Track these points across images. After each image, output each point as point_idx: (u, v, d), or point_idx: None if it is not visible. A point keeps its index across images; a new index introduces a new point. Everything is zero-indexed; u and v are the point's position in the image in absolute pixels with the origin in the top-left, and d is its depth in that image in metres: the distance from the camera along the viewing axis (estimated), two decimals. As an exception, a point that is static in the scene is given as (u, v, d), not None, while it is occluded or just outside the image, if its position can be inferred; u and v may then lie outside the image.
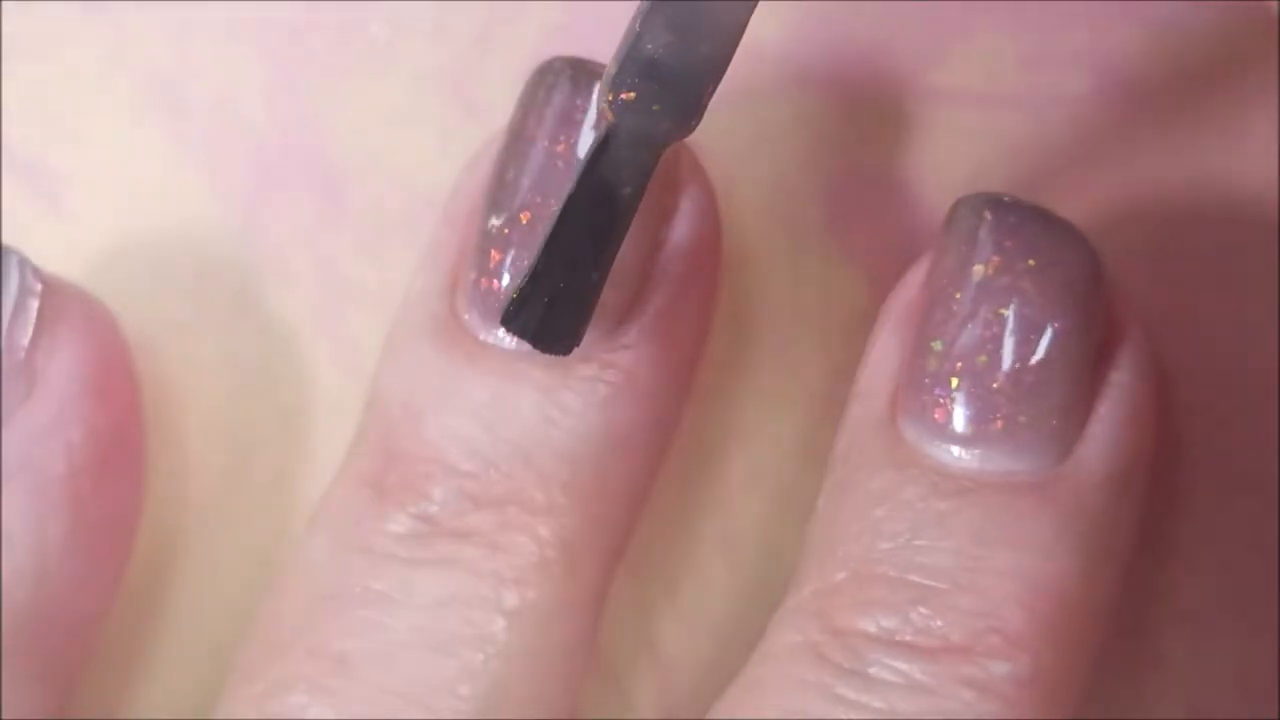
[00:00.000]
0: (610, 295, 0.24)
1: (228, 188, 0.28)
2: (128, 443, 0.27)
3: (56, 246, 0.28)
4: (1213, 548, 0.27)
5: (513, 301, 0.23)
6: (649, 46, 0.22)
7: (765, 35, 0.27)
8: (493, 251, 0.25)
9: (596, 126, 0.24)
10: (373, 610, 0.24)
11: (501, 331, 0.24)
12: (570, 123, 0.25)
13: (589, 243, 0.23)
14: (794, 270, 0.27)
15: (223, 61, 0.28)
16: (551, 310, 0.23)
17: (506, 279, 0.25)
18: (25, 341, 0.25)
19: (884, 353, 0.25)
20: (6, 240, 0.28)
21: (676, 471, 0.28)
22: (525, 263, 0.24)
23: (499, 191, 0.25)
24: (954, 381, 0.24)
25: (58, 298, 0.26)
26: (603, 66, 0.23)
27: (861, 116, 0.27)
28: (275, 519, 0.28)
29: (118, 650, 0.28)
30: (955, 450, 0.24)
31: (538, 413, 0.24)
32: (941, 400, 0.24)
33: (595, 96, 0.24)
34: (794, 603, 0.24)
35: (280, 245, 0.28)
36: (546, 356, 0.24)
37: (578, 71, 0.25)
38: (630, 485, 0.25)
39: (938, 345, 0.24)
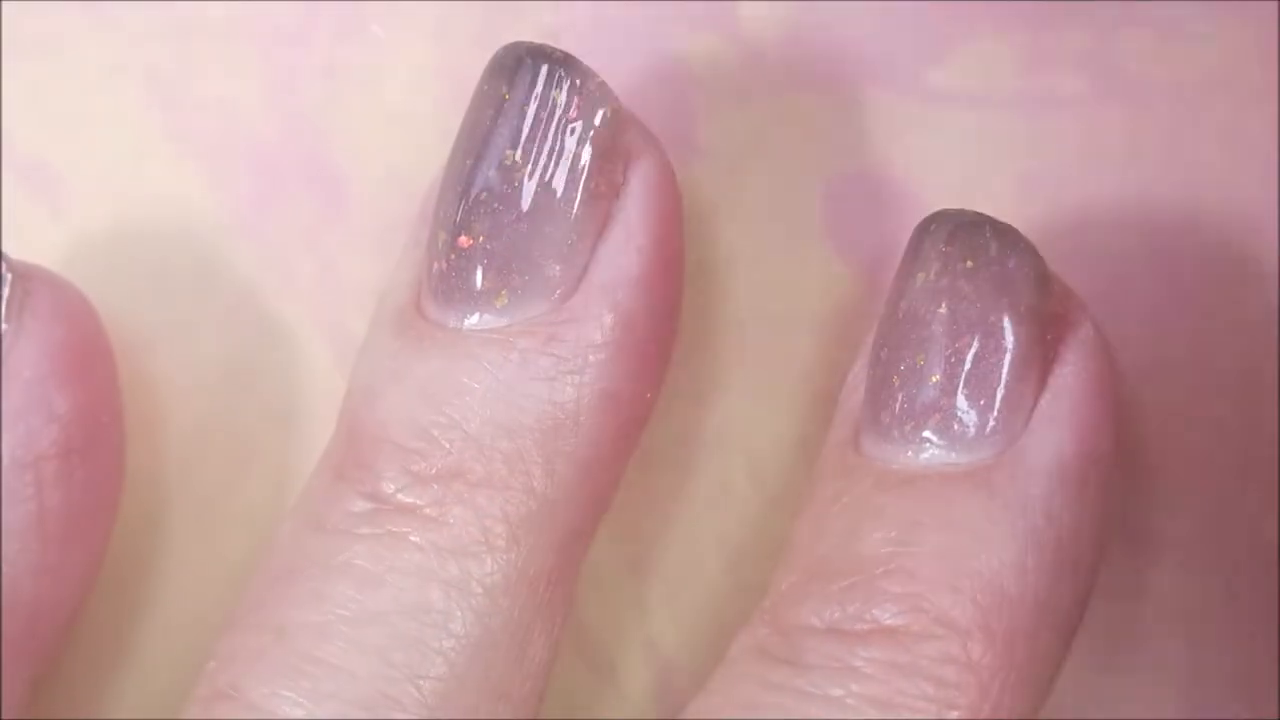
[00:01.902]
0: (554, 269, 0.24)
1: (228, 187, 0.28)
2: (102, 428, 0.27)
3: (56, 246, 0.28)
4: (1213, 547, 0.27)
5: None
6: None
7: (765, 35, 0.27)
8: (441, 234, 0.25)
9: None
10: (317, 583, 0.24)
11: (452, 312, 0.24)
12: (522, 113, 0.25)
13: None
14: (793, 270, 0.27)
15: (223, 61, 0.28)
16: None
17: (454, 259, 0.25)
18: None
19: (855, 379, 0.25)
20: (7, 240, 0.28)
21: (676, 471, 0.28)
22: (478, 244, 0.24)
23: (454, 177, 0.25)
24: (895, 381, 0.24)
25: (26, 282, 0.26)
26: (558, 51, 0.24)
27: (861, 116, 0.27)
28: (275, 518, 0.28)
29: (112, 648, 0.28)
30: (898, 447, 0.24)
31: (481, 387, 0.24)
32: (886, 402, 0.24)
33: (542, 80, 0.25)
34: (754, 614, 0.25)
35: (280, 245, 0.28)
36: (492, 335, 0.24)
37: (535, 58, 0.25)
38: (581, 462, 0.25)
39: (884, 352, 0.24)
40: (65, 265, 0.28)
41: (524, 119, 0.25)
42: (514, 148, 0.25)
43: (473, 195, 0.24)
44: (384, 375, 0.25)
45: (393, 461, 0.24)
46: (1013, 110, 0.27)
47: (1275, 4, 0.26)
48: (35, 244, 0.28)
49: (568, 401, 0.25)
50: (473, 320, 0.25)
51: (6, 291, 0.26)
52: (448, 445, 0.24)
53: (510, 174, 0.24)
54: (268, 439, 0.28)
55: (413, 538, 0.24)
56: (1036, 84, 0.27)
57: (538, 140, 0.24)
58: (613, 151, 0.25)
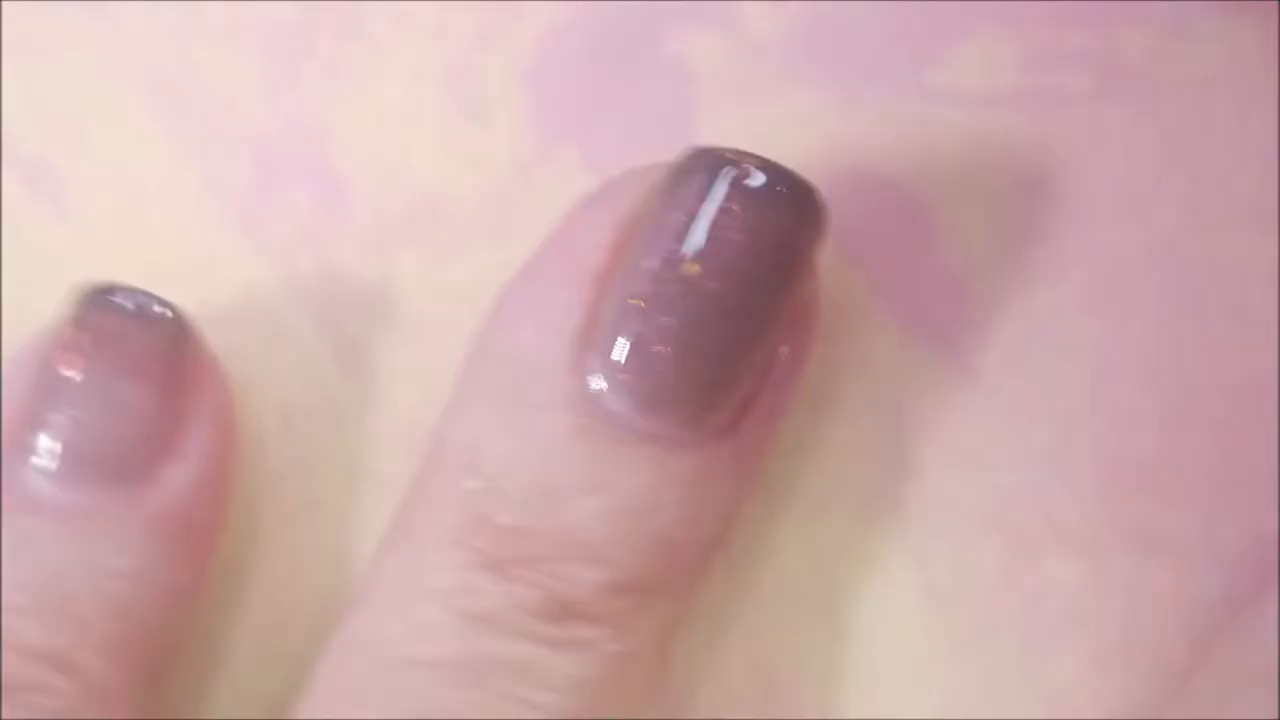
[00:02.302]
0: (741, 381, 0.25)
1: (228, 187, 0.28)
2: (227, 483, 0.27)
3: (56, 245, 0.28)
4: (1213, 547, 0.27)
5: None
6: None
7: (765, 35, 0.27)
8: (640, 332, 0.24)
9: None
10: (510, 683, 0.24)
11: (648, 416, 0.24)
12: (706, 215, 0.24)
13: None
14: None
15: (223, 61, 0.28)
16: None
17: (652, 364, 0.24)
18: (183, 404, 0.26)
19: None
20: (7, 239, 0.28)
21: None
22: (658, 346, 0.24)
23: (634, 271, 0.24)
24: None
25: (200, 360, 0.26)
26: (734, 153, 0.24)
27: (862, 115, 0.27)
28: (275, 517, 0.28)
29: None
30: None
31: (685, 503, 0.25)
32: None
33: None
34: None
35: (281, 245, 0.28)
36: (691, 450, 0.25)
37: (715, 161, 0.24)
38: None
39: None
40: (65, 264, 0.28)
41: None
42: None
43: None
44: (569, 473, 0.24)
45: (591, 570, 0.24)
46: (1014, 109, 0.27)
47: (1276, 3, 0.26)
48: (35, 243, 0.28)
49: (733, 507, 0.26)
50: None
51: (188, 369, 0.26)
52: (649, 558, 0.25)
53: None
54: (268, 438, 0.28)
55: (602, 646, 0.24)
56: (1037, 83, 0.27)
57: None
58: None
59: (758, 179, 0.24)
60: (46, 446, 0.25)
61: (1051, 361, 0.27)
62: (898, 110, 0.27)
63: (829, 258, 0.27)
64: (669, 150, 0.26)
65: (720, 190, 0.24)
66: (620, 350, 0.24)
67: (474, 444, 0.25)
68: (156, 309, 0.26)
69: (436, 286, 0.28)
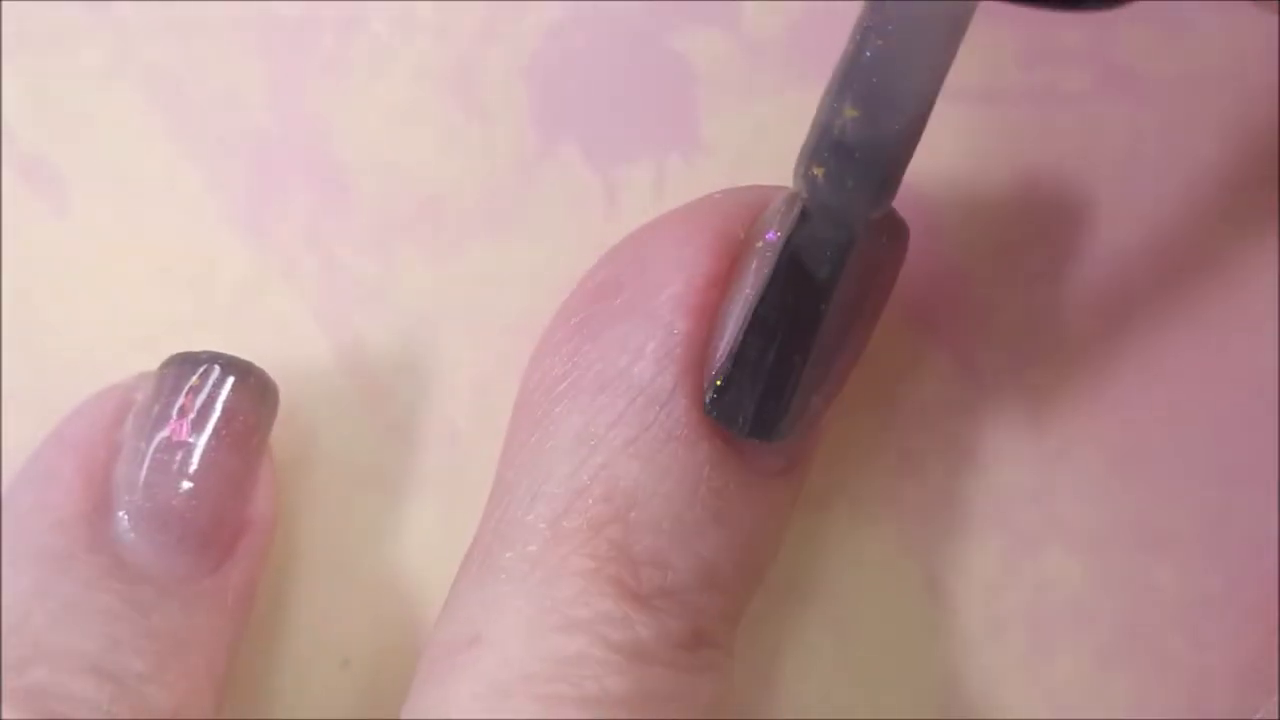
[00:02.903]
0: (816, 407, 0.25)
1: (229, 185, 0.28)
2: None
3: (57, 244, 0.28)
4: (1213, 546, 0.27)
5: (718, 388, 0.24)
6: (838, 123, 0.23)
7: (766, 33, 0.27)
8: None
9: (791, 203, 0.24)
10: (665, 711, 0.24)
11: (764, 450, 0.25)
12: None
13: (788, 325, 0.24)
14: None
15: (225, 59, 0.28)
16: (763, 397, 0.24)
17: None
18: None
19: None
20: (8, 238, 0.28)
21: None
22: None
23: (733, 302, 0.24)
24: None
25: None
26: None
27: (863, 114, 0.27)
28: (276, 517, 0.28)
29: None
30: None
31: (777, 530, 0.26)
32: None
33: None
34: None
35: (282, 244, 0.28)
36: (780, 478, 0.25)
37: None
38: None
39: None
40: (66, 263, 0.28)
41: None
42: None
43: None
44: (698, 508, 0.24)
45: (713, 598, 0.24)
46: (1014, 107, 0.27)
47: (1276, 2, 0.26)
48: (36, 242, 0.28)
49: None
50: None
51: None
52: (747, 584, 0.25)
53: None
54: (269, 437, 0.28)
55: (725, 668, 0.25)
56: (1038, 80, 0.27)
57: None
58: None
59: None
60: (155, 515, 0.25)
61: (1053, 358, 0.27)
62: (899, 108, 0.27)
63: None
64: (670, 149, 0.26)
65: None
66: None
67: (602, 474, 0.24)
68: (258, 381, 0.26)
69: (438, 283, 0.28)
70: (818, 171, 0.23)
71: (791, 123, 0.27)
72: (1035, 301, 0.27)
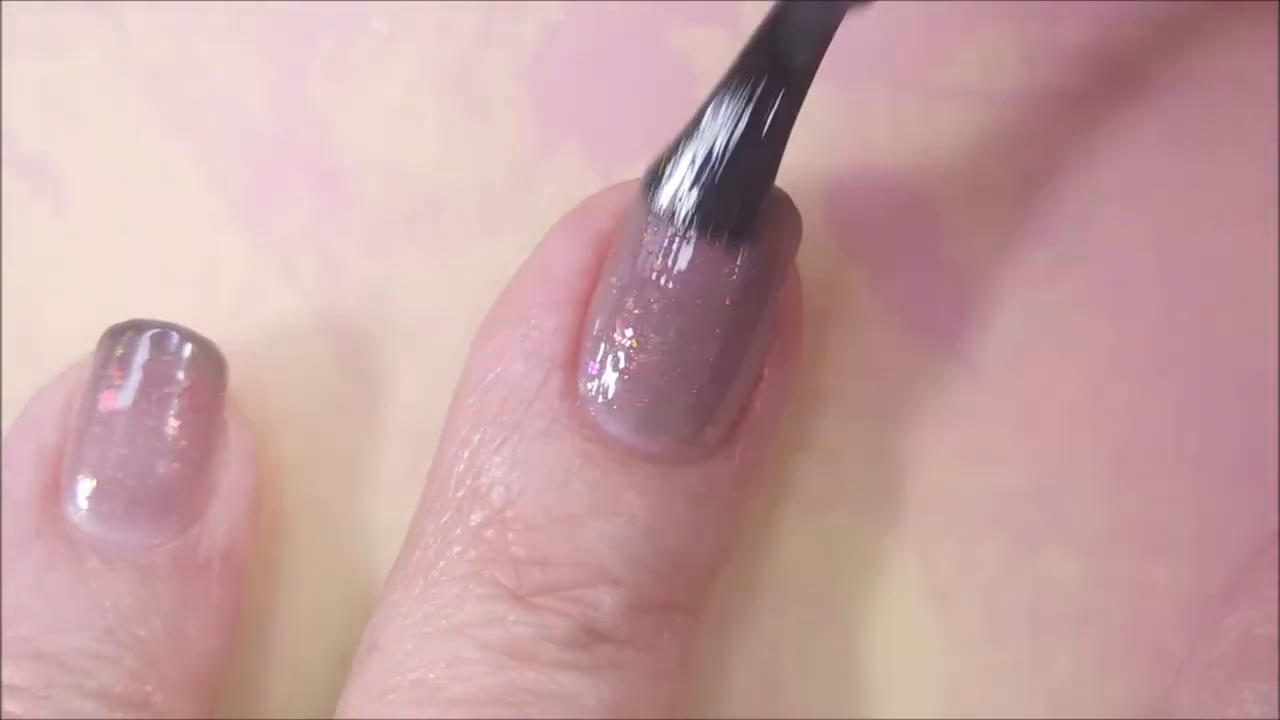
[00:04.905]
0: (734, 392, 0.25)
1: (228, 185, 0.28)
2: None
3: (57, 244, 0.28)
4: (1213, 546, 0.27)
5: (663, 162, 0.23)
6: None
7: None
8: (629, 354, 0.24)
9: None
10: (547, 712, 0.24)
11: (647, 437, 0.24)
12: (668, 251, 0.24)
13: (757, 112, 0.23)
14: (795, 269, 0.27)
15: (224, 59, 0.28)
16: (719, 182, 0.23)
17: (643, 385, 0.24)
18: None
19: None
20: (7, 237, 0.28)
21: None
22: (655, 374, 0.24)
23: (614, 292, 0.24)
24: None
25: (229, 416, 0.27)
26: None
27: (864, 113, 0.27)
28: (276, 517, 0.28)
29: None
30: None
31: (693, 519, 0.25)
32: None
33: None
34: None
35: (282, 244, 0.28)
36: (693, 465, 0.25)
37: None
38: None
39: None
40: (66, 263, 0.28)
41: None
42: None
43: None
44: (575, 499, 0.24)
45: (610, 593, 0.24)
46: (1015, 107, 0.27)
47: (1275, 2, 0.26)
48: (36, 241, 0.28)
49: (738, 519, 0.26)
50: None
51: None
52: (665, 576, 0.25)
53: None
54: (270, 438, 0.28)
55: (637, 667, 0.25)
56: (1039, 80, 0.27)
57: None
58: None
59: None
60: (98, 489, 0.25)
61: (1053, 358, 0.27)
62: (900, 107, 0.27)
63: (830, 255, 0.27)
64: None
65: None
66: (611, 374, 0.24)
67: (476, 477, 0.25)
68: (196, 344, 0.26)
69: (438, 284, 0.28)
70: None
71: (791, 123, 0.27)
72: (1035, 301, 0.27)
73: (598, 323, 0.25)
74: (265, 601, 0.28)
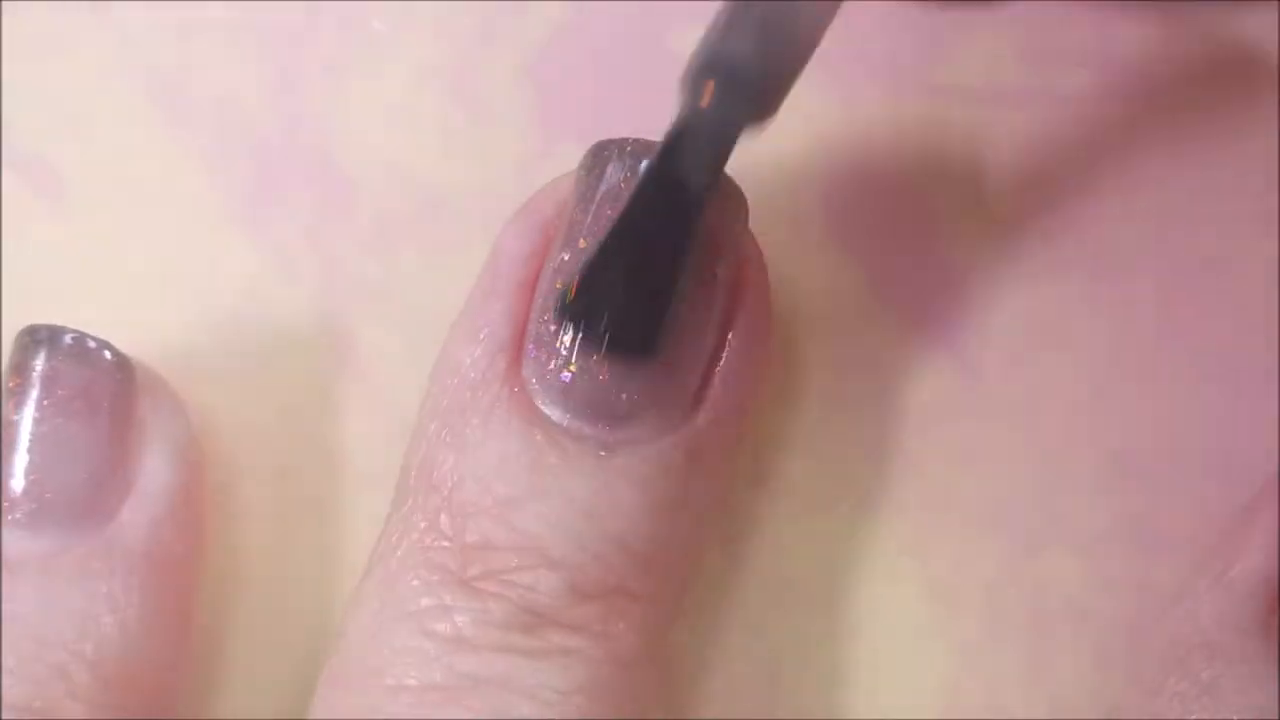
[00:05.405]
0: (681, 375, 0.24)
1: (228, 185, 0.28)
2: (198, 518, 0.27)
3: (56, 243, 0.28)
4: (1213, 546, 0.27)
5: (577, 286, 0.23)
6: (732, 45, 0.23)
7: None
8: (568, 334, 0.24)
9: (675, 118, 0.24)
10: (493, 700, 0.24)
11: (584, 419, 0.24)
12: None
13: (660, 237, 0.23)
14: (797, 267, 0.27)
15: (225, 60, 0.28)
16: (625, 306, 0.24)
17: (582, 367, 0.24)
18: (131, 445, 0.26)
19: None
20: (7, 237, 0.28)
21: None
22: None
23: (551, 272, 0.25)
24: None
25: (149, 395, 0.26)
26: (653, 143, 0.24)
27: (864, 114, 0.27)
28: (277, 517, 0.28)
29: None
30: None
31: (637, 502, 0.25)
32: None
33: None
34: None
35: (282, 244, 0.28)
36: (637, 446, 0.24)
37: (632, 151, 0.25)
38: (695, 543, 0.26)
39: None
40: (65, 263, 0.28)
41: None
42: None
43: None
44: (517, 482, 0.24)
45: (551, 576, 0.24)
46: (1014, 107, 0.27)
47: (1276, 2, 0.26)
48: (35, 241, 0.28)
49: (701, 500, 0.26)
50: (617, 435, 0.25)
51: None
52: (609, 559, 0.24)
53: None
54: (269, 437, 0.28)
55: (586, 653, 0.24)
56: (1039, 81, 0.27)
57: None
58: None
59: (646, 157, 0.24)
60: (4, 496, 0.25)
61: (1053, 359, 0.27)
62: (899, 108, 0.27)
63: (830, 255, 0.27)
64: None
65: (615, 175, 0.24)
66: (549, 355, 0.24)
67: (429, 463, 0.25)
68: (91, 345, 0.26)
69: (439, 284, 0.28)
70: (706, 90, 0.23)
71: (792, 122, 0.27)
72: (1035, 301, 0.27)
73: (538, 305, 0.25)
74: (265, 601, 0.28)
